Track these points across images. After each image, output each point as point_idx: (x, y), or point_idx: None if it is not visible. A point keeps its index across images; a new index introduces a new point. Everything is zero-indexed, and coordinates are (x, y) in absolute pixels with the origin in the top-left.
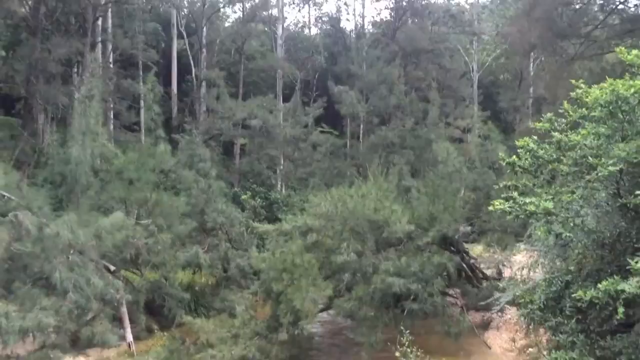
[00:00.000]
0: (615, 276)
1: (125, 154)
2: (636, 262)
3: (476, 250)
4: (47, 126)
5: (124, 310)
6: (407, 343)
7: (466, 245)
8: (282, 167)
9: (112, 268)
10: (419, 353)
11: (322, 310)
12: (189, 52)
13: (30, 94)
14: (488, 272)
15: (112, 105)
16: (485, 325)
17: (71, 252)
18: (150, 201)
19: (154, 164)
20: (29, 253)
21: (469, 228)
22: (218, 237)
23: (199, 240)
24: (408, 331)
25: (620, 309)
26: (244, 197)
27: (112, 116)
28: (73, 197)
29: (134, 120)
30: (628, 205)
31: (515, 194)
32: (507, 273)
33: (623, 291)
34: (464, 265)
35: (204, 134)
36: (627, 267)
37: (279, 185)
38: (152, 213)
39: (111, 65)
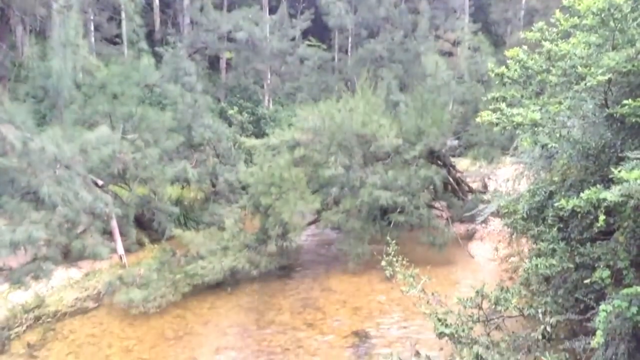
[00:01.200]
0: (598, 186)
1: (108, 67)
2: (619, 171)
3: (463, 164)
4: (26, 38)
5: (114, 224)
6: (392, 253)
7: (453, 159)
8: (269, 82)
9: (100, 183)
10: (404, 262)
11: (310, 224)
12: None
13: (6, 4)
14: (474, 186)
15: (92, 17)
16: (470, 237)
17: (57, 166)
18: (136, 116)
19: (138, 78)
20: (15, 167)
21: (456, 142)
22: (206, 152)
23: (186, 155)
24: (394, 241)
25: (602, 217)
26: (230, 112)
27: (92, 28)
28: (56, 111)
29: (115, 32)
30: (614, 115)
31: (503, 105)
32: (492, 186)
33: (605, 199)
34: (450, 179)
35: (189, 48)
36: (610, 177)
37: (266, 101)
38: (138, 128)
39: None
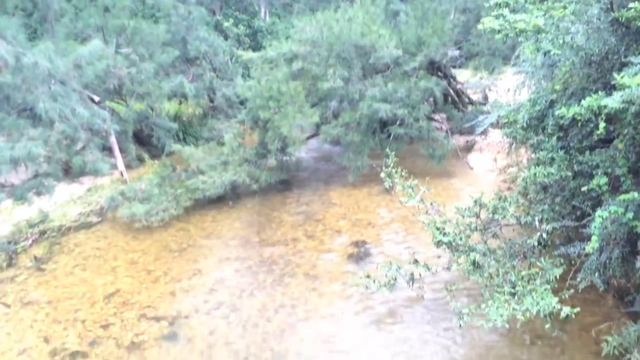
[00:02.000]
0: (599, 93)
1: None
2: (622, 77)
3: (463, 75)
4: None
5: (113, 140)
6: (392, 164)
7: (454, 70)
8: None
9: (97, 98)
10: (403, 174)
11: (309, 137)
12: None
13: None
14: (474, 97)
15: None
16: (469, 148)
17: (52, 82)
18: (129, 29)
19: None
20: (9, 84)
21: (457, 52)
22: (202, 67)
23: (182, 69)
24: (393, 153)
25: (602, 124)
26: (226, 24)
27: None
28: (47, 25)
29: None
30: (619, 19)
31: (506, 11)
32: (493, 98)
33: (606, 106)
34: (451, 90)
35: None
36: (612, 84)
37: (262, 12)
38: (132, 42)
39: None
